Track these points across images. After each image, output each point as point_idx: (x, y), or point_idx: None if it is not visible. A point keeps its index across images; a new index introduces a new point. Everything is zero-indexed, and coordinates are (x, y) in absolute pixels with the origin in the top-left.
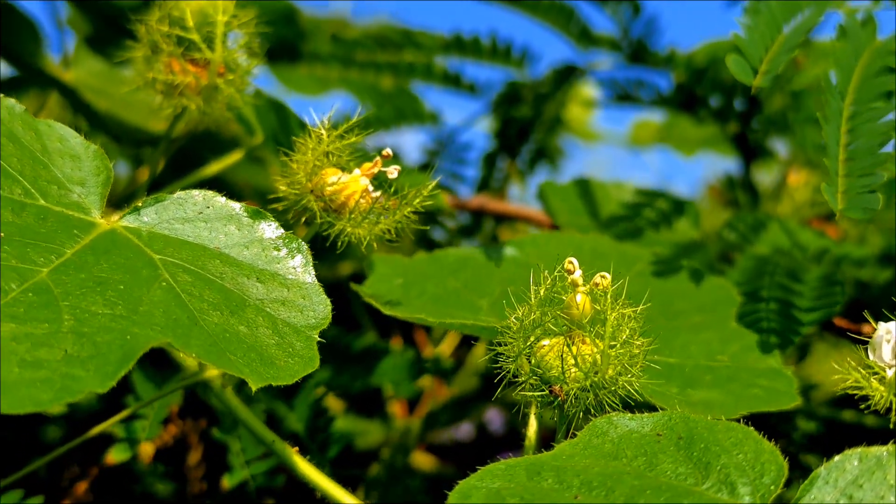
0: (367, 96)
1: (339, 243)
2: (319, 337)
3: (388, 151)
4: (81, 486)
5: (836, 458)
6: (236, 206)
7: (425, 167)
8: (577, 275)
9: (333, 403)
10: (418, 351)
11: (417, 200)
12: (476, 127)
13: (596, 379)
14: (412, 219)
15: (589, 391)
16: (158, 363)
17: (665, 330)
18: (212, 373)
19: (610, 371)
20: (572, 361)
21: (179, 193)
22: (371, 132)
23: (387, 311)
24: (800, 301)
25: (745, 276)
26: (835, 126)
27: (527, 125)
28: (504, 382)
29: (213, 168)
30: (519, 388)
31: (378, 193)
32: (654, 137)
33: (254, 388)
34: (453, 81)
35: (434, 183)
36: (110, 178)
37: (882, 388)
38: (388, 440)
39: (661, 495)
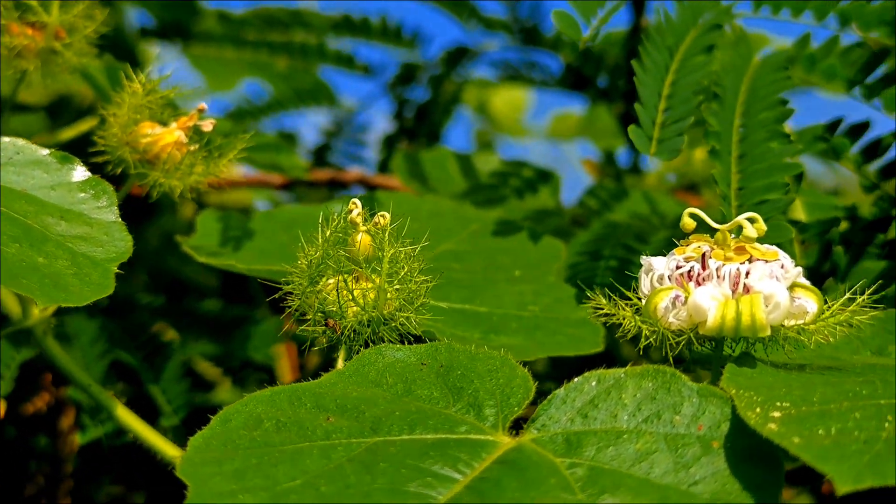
0: (274, 80)
1: (155, 193)
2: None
3: (203, 105)
4: None
5: (576, 379)
6: (44, 152)
7: (322, 148)
8: (356, 213)
9: (211, 372)
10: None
11: (233, 154)
12: (375, 109)
13: (374, 314)
14: (226, 171)
15: (368, 326)
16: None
17: (483, 282)
18: (32, 321)
19: (388, 307)
20: (350, 297)
21: None
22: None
23: (201, 258)
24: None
25: (592, 237)
26: (658, 78)
27: (423, 107)
28: (292, 320)
29: (69, 133)
30: (305, 325)
31: (195, 147)
32: (573, 131)
33: (40, 306)
34: (346, 62)
35: (248, 136)
36: None
37: (629, 314)
38: None
39: (409, 416)
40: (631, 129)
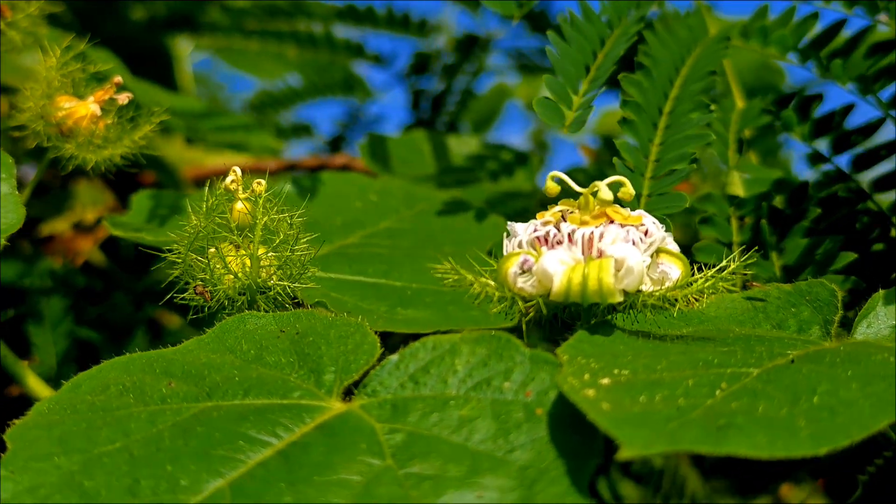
0: (307, 73)
1: (70, 167)
2: None
3: (119, 79)
4: None
5: (414, 344)
6: None
7: (337, 139)
8: (230, 180)
9: None
10: None
11: (148, 128)
12: (393, 100)
13: (247, 282)
14: (140, 144)
15: (243, 294)
16: None
17: (407, 257)
18: None
19: (263, 274)
20: (221, 264)
21: None
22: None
23: (116, 232)
24: None
25: None
26: (585, 50)
27: (439, 97)
28: (176, 288)
29: None
30: (184, 294)
31: (112, 120)
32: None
33: None
34: (356, 51)
35: (163, 111)
36: None
37: (472, 278)
38: None
39: (247, 382)
40: (538, 101)
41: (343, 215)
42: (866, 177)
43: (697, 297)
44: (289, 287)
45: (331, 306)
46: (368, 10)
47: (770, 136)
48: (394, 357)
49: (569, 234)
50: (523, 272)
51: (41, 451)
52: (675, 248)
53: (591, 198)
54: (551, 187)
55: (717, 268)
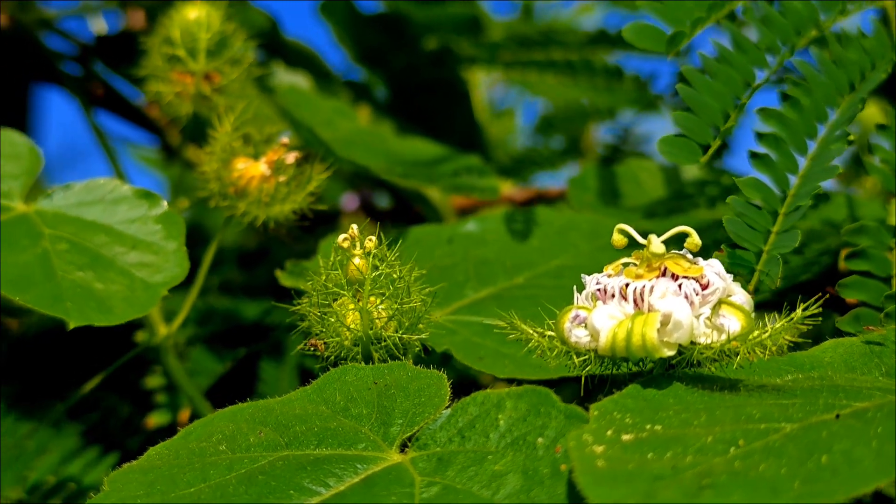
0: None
1: (245, 222)
2: None
3: (286, 140)
4: None
5: (464, 399)
6: (129, 191)
7: (608, 160)
8: (342, 238)
9: None
10: None
11: (313, 185)
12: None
13: (359, 334)
14: (309, 201)
15: (357, 346)
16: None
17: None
18: (158, 339)
19: (376, 325)
20: (333, 318)
21: (89, 181)
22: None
23: (282, 281)
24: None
25: None
26: (732, 82)
27: None
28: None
29: None
30: (304, 347)
31: (282, 178)
32: None
33: (71, 325)
34: (615, 74)
35: (328, 171)
36: (35, 169)
37: (529, 330)
38: None
39: (325, 432)
40: (665, 139)
41: (516, 255)
42: None
43: (759, 349)
44: (399, 338)
45: (468, 351)
46: (619, 35)
47: None
48: (446, 411)
49: (621, 289)
50: (579, 326)
51: (130, 493)
52: (741, 298)
53: (651, 249)
54: (618, 240)
55: (787, 318)
